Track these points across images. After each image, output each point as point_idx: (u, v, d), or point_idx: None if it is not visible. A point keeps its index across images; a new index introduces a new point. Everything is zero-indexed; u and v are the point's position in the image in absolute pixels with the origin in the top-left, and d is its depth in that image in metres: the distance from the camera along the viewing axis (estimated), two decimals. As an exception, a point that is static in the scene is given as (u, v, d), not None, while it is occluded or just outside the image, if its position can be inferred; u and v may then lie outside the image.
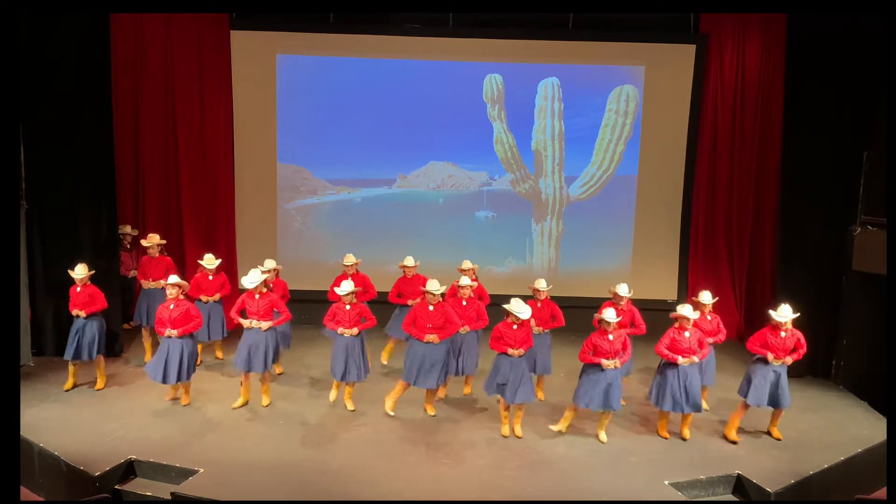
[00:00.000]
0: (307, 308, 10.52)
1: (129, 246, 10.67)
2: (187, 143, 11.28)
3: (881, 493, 6.42)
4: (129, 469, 7.16)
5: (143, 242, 10.01)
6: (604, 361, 7.58)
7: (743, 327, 11.32)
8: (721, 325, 8.50)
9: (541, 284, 8.68)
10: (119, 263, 10.23)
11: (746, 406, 8.02)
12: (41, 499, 6.68)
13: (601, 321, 7.73)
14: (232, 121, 11.41)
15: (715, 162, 11.42)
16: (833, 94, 9.37)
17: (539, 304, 8.58)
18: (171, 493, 6.72)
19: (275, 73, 11.39)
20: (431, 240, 11.39)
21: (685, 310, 7.83)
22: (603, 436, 7.94)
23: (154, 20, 10.78)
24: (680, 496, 6.98)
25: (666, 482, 7.08)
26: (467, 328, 8.55)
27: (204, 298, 9.42)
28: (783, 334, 7.87)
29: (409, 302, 9.22)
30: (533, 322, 8.24)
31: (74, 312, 8.69)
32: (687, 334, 7.77)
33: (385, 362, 9.93)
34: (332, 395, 8.66)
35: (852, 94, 9.25)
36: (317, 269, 11.16)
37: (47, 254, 9.52)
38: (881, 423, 8.39)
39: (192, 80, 11.15)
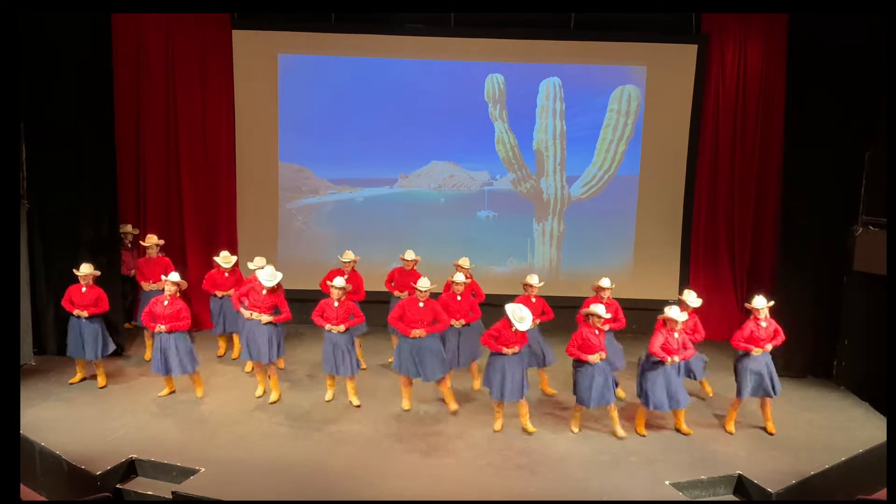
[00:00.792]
0: (309, 308, 10.49)
1: (130, 245, 10.68)
2: (189, 143, 11.29)
3: (882, 494, 6.42)
4: (130, 468, 7.17)
5: (142, 243, 10.05)
6: (589, 357, 7.75)
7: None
8: (699, 326, 8.70)
9: (533, 280, 8.85)
10: (120, 262, 10.23)
11: (741, 400, 8.21)
12: (42, 498, 6.70)
13: (588, 315, 7.90)
14: (233, 120, 11.41)
15: (716, 162, 11.41)
16: (835, 95, 9.34)
17: (533, 300, 8.74)
18: (172, 493, 6.72)
19: (276, 73, 11.39)
20: (432, 239, 11.37)
21: (673, 312, 7.94)
22: (620, 431, 7.99)
23: (156, 20, 10.79)
24: (681, 496, 6.97)
25: (667, 482, 7.08)
26: (462, 321, 8.73)
27: (219, 293, 9.63)
28: (763, 324, 8.13)
29: (397, 293, 9.43)
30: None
31: (76, 312, 8.71)
32: (676, 335, 7.91)
33: (391, 363, 9.92)
34: (328, 394, 8.71)
35: (854, 94, 9.22)
36: (318, 268, 11.11)
37: (48, 253, 9.53)
38: (882, 423, 8.38)
39: (193, 79, 11.16)
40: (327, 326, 8.34)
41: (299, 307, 9.66)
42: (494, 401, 8.02)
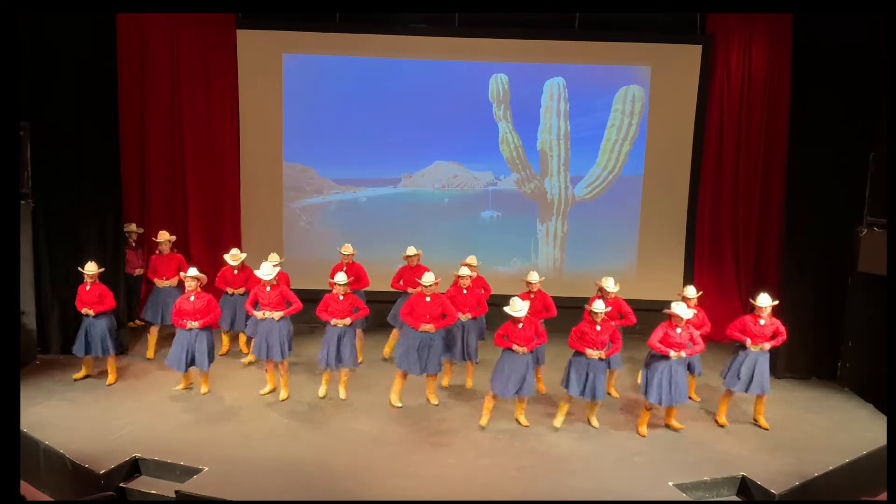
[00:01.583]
0: (314, 307, 10.51)
1: (134, 244, 10.70)
2: (193, 142, 11.31)
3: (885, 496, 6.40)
4: (133, 467, 7.18)
5: (155, 239, 10.10)
6: (588, 351, 7.85)
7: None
8: (706, 318, 8.73)
9: (533, 277, 8.97)
10: (125, 262, 10.25)
11: (731, 392, 8.32)
12: (46, 497, 6.71)
13: (590, 313, 8.03)
14: (238, 120, 11.42)
15: (720, 163, 11.39)
16: (840, 95, 9.33)
17: (532, 296, 8.80)
18: (176, 492, 6.74)
19: (281, 73, 11.41)
20: (436, 239, 11.37)
21: (679, 308, 7.95)
22: (594, 421, 8.20)
23: (160, 20, 10.80)
24: (684, 497, 6.97)
25: (670, 483, 7.08)
26: (469, 315, 8.86)
27: (230, 291, 9.70)
28: (762, 321, 8.17)
29: (409, 290, 9.47)
30: None
31: (84, 311, 8.74)
32: (679, 330, 7.92)
33: (386, 357, 9.98)
34: (322, 390, 8.77)
35: (859, 94, 9.22)
36: (322, 267, 11.09)
37: (53, 252, 9.56)
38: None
39: (197, 79, 11.18)
40: (333, 321, 8.43)
41: (305, 307, 9.66)
42: (491, 392, 8.08)
